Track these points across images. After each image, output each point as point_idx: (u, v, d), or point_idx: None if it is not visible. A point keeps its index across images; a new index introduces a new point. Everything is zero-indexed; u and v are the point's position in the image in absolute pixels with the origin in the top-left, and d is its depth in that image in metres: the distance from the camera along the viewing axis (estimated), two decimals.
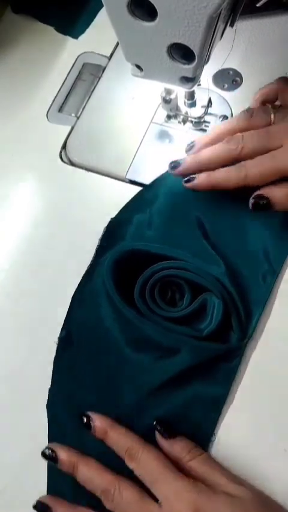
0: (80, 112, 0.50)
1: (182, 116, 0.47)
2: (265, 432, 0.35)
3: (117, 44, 0.50)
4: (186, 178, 0.40)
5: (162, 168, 0.44)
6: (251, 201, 0.37)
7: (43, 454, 0.34)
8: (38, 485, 0.35)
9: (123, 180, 0.46)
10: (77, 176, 0.47)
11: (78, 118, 0.50)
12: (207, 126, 0.47)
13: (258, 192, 0.37)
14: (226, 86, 0.49)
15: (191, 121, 0.47)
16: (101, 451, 0.34)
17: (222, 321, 0.36)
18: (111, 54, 0.53)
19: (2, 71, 0.54)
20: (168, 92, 0.43)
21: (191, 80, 0.36)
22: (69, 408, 0.37)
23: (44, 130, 0.50)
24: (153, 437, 0.34)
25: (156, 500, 0.31)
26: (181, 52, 0.33)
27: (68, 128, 0.49)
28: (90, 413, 0.34)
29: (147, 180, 0.45)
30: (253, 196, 0.37)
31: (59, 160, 0.48)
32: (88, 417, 0.34)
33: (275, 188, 0.37)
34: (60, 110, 0.51)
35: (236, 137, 0.38)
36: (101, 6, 0.32)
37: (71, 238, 0.44)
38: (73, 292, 0.40)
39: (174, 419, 0.36)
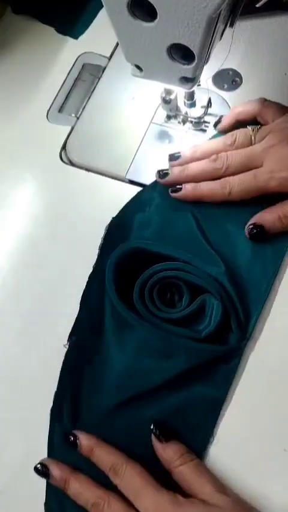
0: (80, 112, 0.50)
1: (181, 117, 0.47)
2: (264, 432, 0.35)
3: (117, 44, 0.50)
4: (172, 188, 0.42)
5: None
6: (247, 231, 0.40)
7: (36, 469, 0.35)
8: (38, 485, 0.35)
9: (123, 180, 0.46)
10: (77, 177, 0.47)
11: (78, 118, 0.50)
12: (207, 126, 0.47)
13: (251, 221, 0.40)
14: (226, 86, 0.49)
15: (191, 121, 0.47)
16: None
17: (221, 322, 0.36)
18: (111, 55, 0.53)
19: (2, 71, 0.54)
20: (168, 92, 0.43)
21: (190, 80, 0.36)
22: (72, 410, 0.37)
23: (44, 130, 0.50)
24: (150, 437, 0.35)
25: None
26: (181, 52, 0.33)
27: (68, 128, 0.49)
28: (76, 432, 0.35)
29: (147, 180, 0.45)
30: (247, 226, 0.40)
31: (59, 160, 0.48)
32: (75, 436, 0.35)
33: (266, 214, 0.39)
34: (60, 110, 0.51)
35: (222, 156, 0.41)
36: (101, 6, 0.32)
37: (71, 238, 0.44)
38: (73, 293, 0.40)
39: (173, 420, 0.36)
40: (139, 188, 0.45)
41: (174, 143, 0.47)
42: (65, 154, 0.49)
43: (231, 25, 0.36)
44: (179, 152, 0.43)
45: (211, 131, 0.47)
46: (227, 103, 0.48)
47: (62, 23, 0.56)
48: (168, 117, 0.48)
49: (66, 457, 0.35)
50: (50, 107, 0.51)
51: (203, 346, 0.36)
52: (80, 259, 0.42)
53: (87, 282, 0.40)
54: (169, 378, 0.36)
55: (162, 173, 0.42)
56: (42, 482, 0.35)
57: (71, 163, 0.48)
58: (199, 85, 0.43)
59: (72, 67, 0.53)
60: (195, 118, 0.46)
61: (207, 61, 0.35)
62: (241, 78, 0.49)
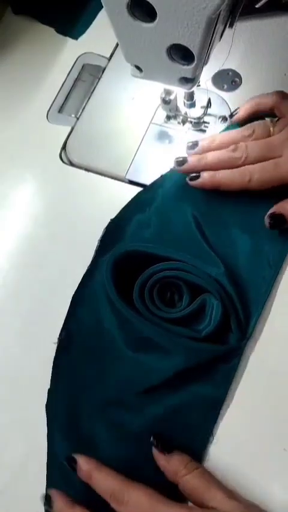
0: (80, 113, 0.50)
1: (181, 117, 0.47)
2: (264, 432, 0.35)
3: (117, 45, 0.50)
4: (191, 176, 0.42)
5: (162, 168, 0.44)
6: (267, 220, 0.39)
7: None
8: (38, 485, 0.35)
9: (122, 180, 0.46)
10: (77, 177, 0.47)
11: (78, 118, 0.50)
12: (207, 127, 0.47)
13: (271, 211, 0.39)
14: (225, 86, 0.49)
15: (191, 122, 0.47)
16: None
17: (221, 322, 0.36)
18: (111, 55, 0.53)
19: (2, 71, 0.54)
20: (168, 92, 0.44)
21: (190, 80, 0.36)
22: (68, 408, 0.37)
23: (44, 131, 0.50)
24: (149, 438, 0.35)
25: None
26: (180, 53, 0.34)
27: (68, 128, 0.49)
28: (75, 456, 0.34)
29: (147, 181, 0.45)
30: (267, 215, 0.39)
31: (59, 160, 0.48)
32: (74, 460, 0.34)
33: (286, 204, 0.39)
34: (60, 110, 0.51)
35: (241, 146, 0.41)
36: (101, 7, 0.32)
37: (70, 238, 0.44)
38: (73, 293, 0.40)
39: (172, 419, 0.36)
40: (139, 189, 0.45)
41: (174, 143, 0.47)
42: (65, 154, 0.49)
43: (231, 26, 0.36)
44: (196, 141, 0.43)
45: (211, 131, 0.47)
46: (227, 103, 0.48)
47: (62, 24, 0.56)
48: (168, 117, 0.48)
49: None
50: (50, 107, 0.51)
51: (203, 345, 0.36)
52: (80, 259, 0.42)
53: (81, 281, 0.40)
54: (169, 377, 0.36)
55: (179, 161, 0.42)
56: (42, 482, 0.36)
57: (71, 163, 0.48)
58: (199, 86, 0.43)
59: (72, 68, 0.53)
60: (194, 119, 0.46)
61: (206, 62, 0.35)
62: (241, 78, 0.49)
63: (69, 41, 0.55)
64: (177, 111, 0.46)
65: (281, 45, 0.50)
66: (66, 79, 0.52)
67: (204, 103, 0.46)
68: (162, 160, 0.45)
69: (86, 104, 0.51)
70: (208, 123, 0.47)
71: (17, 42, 0.56)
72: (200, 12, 0.28)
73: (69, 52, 0.54)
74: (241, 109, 0.44)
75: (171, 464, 0.33)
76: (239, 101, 0.48)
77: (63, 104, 0.51)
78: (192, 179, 0.41)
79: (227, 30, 0.36)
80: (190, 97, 0.44)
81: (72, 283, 0.41)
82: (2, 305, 0.42)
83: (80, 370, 0.38)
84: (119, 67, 0.52)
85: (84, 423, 0.37)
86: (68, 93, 0.52)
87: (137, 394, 0.36)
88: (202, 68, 0.36)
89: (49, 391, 0.38)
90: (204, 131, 0.47)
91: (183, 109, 0.46)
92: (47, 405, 0.37)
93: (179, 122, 0.48)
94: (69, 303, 0.40)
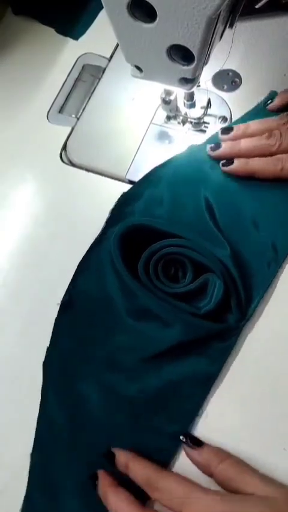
0: (80, 113, 0.50)
1: (181, 117, 0.47)
2: (254, 411, 0.36)
3: (117, 45, 0.50)
4: (223, 162, 0.42)
5: None
6: None
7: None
8: None
9: (123, 181, 0.46)
10: (77, 177, 0.47)
11: (78, 118, 0.50)
12: (207, 127, 0.47)
13: None
14: (225, 87, 0.49)
15: (191, 122, 0.47)
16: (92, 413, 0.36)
17: (222, 302, 0.37)
18: (111, 56, 0.53)
19: (3, 71, 0.54)
20: (168, 93, 0.44)
21: (190, 81, 0.36)
22: (63, 366, 0.38)
23: (45, 131, 0.50)
24: (144, 404, 0.36)
25: None
26: (180, 53, 0.34)
27: (68, 129, 0.50)
28: (113, 449, 0.35)
29: None
30: None
31: (59, 160, 0.48)
32: (112, 454, 0.35)
33: None
34: (60, 111, 0.51)
35: (275, 134, 0.41)
36: (101, 7, 0.32)
37: (71, 239, 0.44)
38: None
39: (164, 387, 0.36)
40: None
41: (174, 143, 0.47)
42: (65, 155, 0.49)
43: (231, 26, 0.36)
44: (231, 127, 0.43)
45: (211, 131, 0.47)
46: (227, 103, 0.48)
47: (62, 24, 0.56)
48: (168, 118, 0.48)
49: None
50: (50, 107, 0.51)
51: (201, 322, 0.37)
52: (80, 258, 0.42)
53: (88, 249, 0.41)
54: (165, 348, 0.37)
55: (213, 147, 0.43)
56: None
57: (71, 164, 0.48)
58: (199, 86, 0.43)
59: (72, 68, 0.53)
60: (195, 119, 0.46)
61: (206, 62, 0.35)
62: (240, 79, 0.49)
63: (70, 41, 0.55)
64: (177, 111, 0.47)
65: (281, 45, 0.50)
66: (66, 79, 0.52)
67: (204, 103, 0.46)
68: (162, 160, 0.45)
69: (86, 104, 0.51)
70: (208, 123, 0.47)
71: (17, 43, 0.56)
72: (200, 12, 0.28)
73: (69, 52, 0.54)
74: (277, 98, 0.44)
75: (204, 457, 0.33)
76: (238, 101, 0.48)
77: (63, 105, 0.51)
78: (224, 165, 0.42)
79: (227, 30, 0.36)
80: (190, 97, 0.44)
81: None
82: (2, 305, 0.42)
83: (79, 331, 0.39)
84: (119, 67, 0.52)
85: (77, 382, 0.37)
86: (69, 93, 0.52)
87: (133, 361, 0.37)
88: (202, 68, 0.36)
89: (47, 349, 0.38)
90: (204, 131, 0.47)
91: (183, 109, 0.46)
92: (44, 363, 0.38)
93: (179, 123, 0.48)
94: None
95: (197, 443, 0.34)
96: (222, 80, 0.49)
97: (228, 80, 0.49)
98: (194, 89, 0.40)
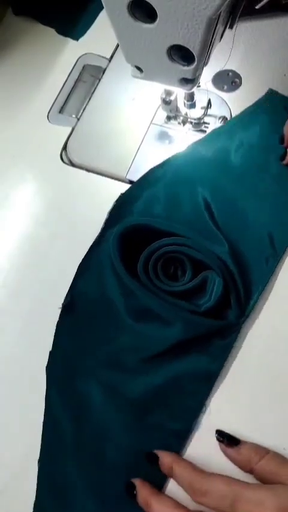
0: (80, 113, 0.50)
1: (181, 117, 0.47)
2: (256, 407, 0.36)
3: (118, 45, 0.50)
4: None
5: None
6: None
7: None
8: None
9: (123, 181, 0.46)
10: (78, 177, 0.47)
11: (78, 119, 0.50)
12: (207, 127, 0.47)
13: None
14: (225, 87, 0.49)
15: (191, 122, 0.47)
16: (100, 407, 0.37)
17: (221, 299, 0.37)
18: (112, 56, 0.53)
19: (3, 72, 0.54)
20: (168, 93, 0.44)
21: (190, 81, 0.36)
22: (66, 367, 0.38)
23: (45, 131, 0.50)
24: (147, 403, 0.36)
25: None
26: (181, 54, 0.34)
27: (69, 129, 0.50)
28: (157, 451, 0.35)
29: None
30: None
31: (60, 160, 0.48)
32: (155, 455, 0.34)
33: None
34: (60, 111, 0.51)
35: None
36: (102, 8, 0.32)
37: (71, 239, 0.44)
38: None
39: (167, 386, 0.36)
40: None
41: (174, 144, 0.47)
42: (65, 155, 0.49)
43: (231, 26, 0.36)
44: None
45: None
46: (227, 103, 0.48)
47: (62, 24, 0.56)
48: (168, 118, 0.48)
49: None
50: (51, 108, 0.51)
51: (201, 319, 0.37)
52: (80, 259, 0.42)
53: (88, 251, 0.41)
54: (166, 347, 0.37)
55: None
56: None
57: (72, 164, 0.48)
58: (199, 86, 0.43)
59: (72, 68, 0.53)
60: (195, 119, 0.46)
61: (207, 62, 0.35)
62: (241, 79, 0.49)
63: (70, 41, 0.55)
64: (178, 112, 0.47)
65: (281, 45, 0.50)
66: (66, 79, 0.52)
67: (205, 104, 0.46)
68: (162, 160, 0.45)
69: (86, 104, 0.51)
70: (208, 123, 0.47)
71: (18, 43, 0.56)
72: (200, 13, 0.28)
73: (69, 53, 0.54)
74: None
75: (243, 455, 0.33)
76: (238, 101, 0.48)
77: (63, 105, 0.51)
78: None
79: (227, 31, 0.36)
80: (190, 97, 0.44)
81: None
82: (2, 305, 0.42)
83: (81, 333, 0.39)
84: (119, 67, 0.52)
85: (80, 382, 0.38)
86: (69, 94, 0.52)
87: (135, 361, 0.37)
88: (202, 68, 0.36)
89: (50, 353, 0.39)
90: (204, 131, 0.47)
91: (183, 109, 0.46)
92: (47, 367, 0.38)
93: (179, 123, 0.48)
94: None
95: (234, 441, 0.34)
96: (223, 80, 0.49)
97: (228, 80, 0.49)
98: (194, 89, 0.40)
